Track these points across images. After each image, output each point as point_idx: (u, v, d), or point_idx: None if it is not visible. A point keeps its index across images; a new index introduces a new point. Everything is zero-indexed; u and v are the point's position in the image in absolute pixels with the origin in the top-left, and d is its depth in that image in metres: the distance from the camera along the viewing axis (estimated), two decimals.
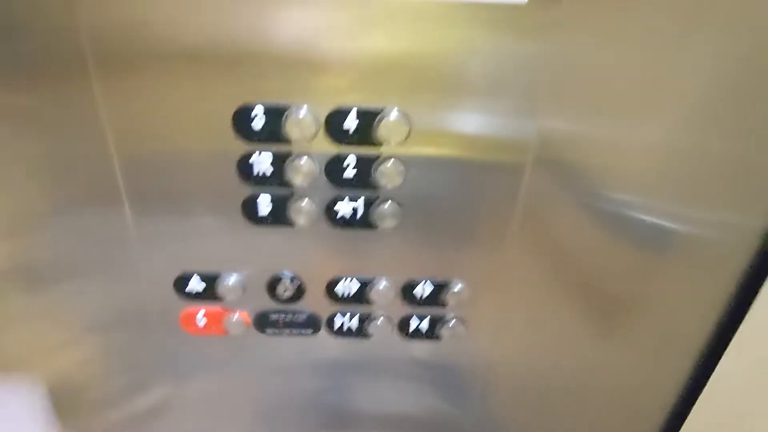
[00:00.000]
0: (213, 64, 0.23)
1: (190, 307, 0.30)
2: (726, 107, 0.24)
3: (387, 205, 0.26)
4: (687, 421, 0.34)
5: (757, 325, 0.30)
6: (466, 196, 0.27)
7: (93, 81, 0.23)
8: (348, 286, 0.29)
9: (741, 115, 0.25)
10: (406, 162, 0.25)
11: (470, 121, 0.24)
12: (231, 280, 0.29)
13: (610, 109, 0.24)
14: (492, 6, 0.22)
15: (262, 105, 0.24)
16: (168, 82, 0.23)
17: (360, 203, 0.26)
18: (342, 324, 0.31)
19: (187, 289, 0.29)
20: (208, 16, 0.22)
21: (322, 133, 0.24)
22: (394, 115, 0.24)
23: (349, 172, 0.25)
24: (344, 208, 0.26)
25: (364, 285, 0.29)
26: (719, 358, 0.32)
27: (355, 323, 0.31)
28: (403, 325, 0.31)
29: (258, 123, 0.24)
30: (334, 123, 0.24)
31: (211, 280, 0.29)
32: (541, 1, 0.22)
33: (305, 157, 0.25)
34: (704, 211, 0.28)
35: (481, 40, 0.23)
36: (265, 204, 0.26)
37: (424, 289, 0.29)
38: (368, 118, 0.24)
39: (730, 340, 0.31)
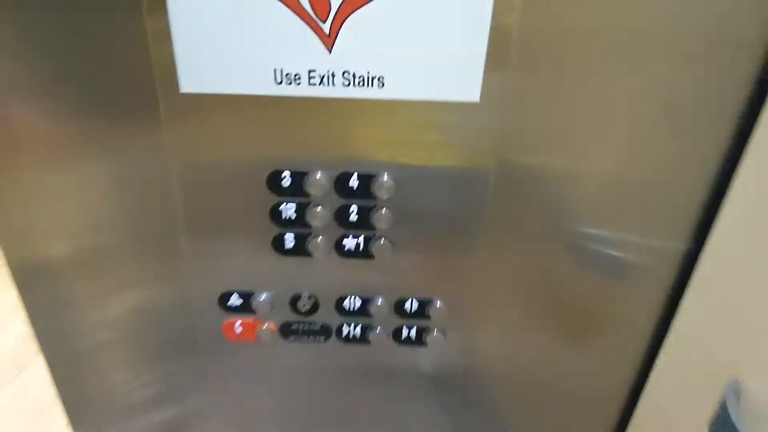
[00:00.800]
0: (254, 139, 0.32)
1: (230, 318, 0.39)
2: (650, 144, 0.32)
3: (381, 241, 0.35)
4: (636, 410, 0.42)
5: (682, 331, 0.37)
6: (443, 233, 0.35)
7: (163, 125, 0.31)
8: (353, 303, 0.38)
9: (663, 151, 0.32)
10: (396, 208, 0.34)
11: (439, 169, 0.33)
12: (262, 297, 0.37)
13: (559, 146, 0.32)
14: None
15: (289, 170, 0.32)
16: (224, 145, 0.32)
17: (361, 240, 0.35)
18: (348, 332, 0.39)
19: (228, 303, 0.38)
20: (250, 109, 0.30)
21: (332, 189, 0.33)
22: (385, 177, 0.32)
23: (353, 218, 0.34)
24: (349, 243, 0.35)
25: (365, 302, 0.37)
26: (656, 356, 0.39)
27: (358, 332, 0.39)
28: (396, 333, 0.39)
29: (286, 182, 0.33)
30: (341, 182, 0.33)
31: (247, 297, 0.38)
32: (494, 96, 0.30)
33: (320, 207, 0.33)
34: (634, 235, 0.35)
35: (447, 115, 0.31)
36: (289, 240, 0.35)
37: (411, 306, 0.37)
38: (366, 179, 0.32)
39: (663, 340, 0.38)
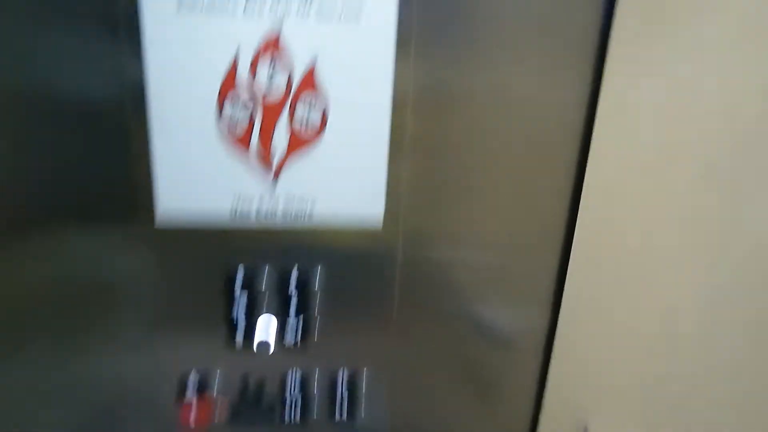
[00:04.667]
0: (210, 247, 0.41)
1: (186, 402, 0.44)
2: (509, 233, 0.43)
3: (317, 324, 0.43)
4: None
5: (551, 392, 0.47)
6: (362, 311, 0.44)
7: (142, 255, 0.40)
8: (293, 376, 0.45)
9: (520, 237, 0.44)
10: (325, 297, 0.43)
11: (356, 267, 0.43)
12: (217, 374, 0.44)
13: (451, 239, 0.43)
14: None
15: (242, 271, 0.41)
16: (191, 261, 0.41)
17: (300, 323, 0.43)
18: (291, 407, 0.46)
19: (188, 383, 0.44)
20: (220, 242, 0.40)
21: (276, 283, 0.42)
22: (319, 271, 0.42)
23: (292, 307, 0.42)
24: (291, 326, 0.43)
25: (306, 375, 0.45)
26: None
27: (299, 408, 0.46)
28: (331, 402, 0.46)
29: (238, 281, 0.41)
30: (283, 276, 0.42)
31: (204, 376, 0.44)
32: (395, 212, 0.41)
33: (267, 295, 0.42)
34: (505, 309, 0.45)
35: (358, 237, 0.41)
36: (239, 335, 0.43)
37: (343, 375, 0.45)
38: (304, 274, 0.42)
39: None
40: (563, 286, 0.44)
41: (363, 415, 0.46)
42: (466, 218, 0.42)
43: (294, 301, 0.42)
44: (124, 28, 0.35)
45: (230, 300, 0.42)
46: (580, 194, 0.42)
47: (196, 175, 0.38)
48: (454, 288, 0.44)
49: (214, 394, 0.44)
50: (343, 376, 0.45)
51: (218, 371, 0.44)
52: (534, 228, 0.43)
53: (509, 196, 0.42)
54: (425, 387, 0.47)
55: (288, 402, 0.45)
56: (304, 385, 0.45)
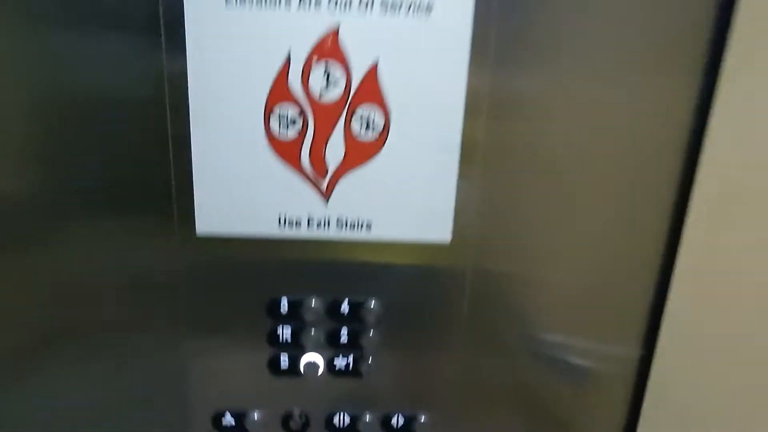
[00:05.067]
0: (256, 272, 0.36)
1: None
2: (597, 255, 0.37)
3: (369, 361, 0.38)
4: None
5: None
6: (425, 350, 0.39)
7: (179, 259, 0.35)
8: (342, 420, 0.40)
9: (608, 260, 0.37)
10: (382, 331, 0.37)
11: (419, 295, 0.37)
12: (255, 416, 0.39)
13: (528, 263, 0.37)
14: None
15: (287, 298, 0.36)
16: (232, 277, 0.36)
17: (351, 360, 0.38)
18: None
19: (222, 422, 0.39)
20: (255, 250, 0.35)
21: (324, 314, 0.37)
22: (372, 305, 0.36)
23: (343, 339, 0.37)
24: (340, 363, 0.38)
25: (354, 419, 0.40)
26: None
27: None
28: None
29: (283, 309, 0.36)
30: (333, 309, 0.37)
31: (240, 417, 0.39)
32: (463, 236, 0.35)
33: (313, 330, 0.37)
34: (592, 342, 0.39)
35: (423, 252, 0.36)
36: (284, 361, 0.38)
37: (398, 421, 0.40)
38: (356, 306, 0.37)
39: None
40: (659, 316, 0.38)
41: None
42: (546, 237, 0.36)
43: (345, 331, 0.37)
44: (165, 22, 0.31)
45: (274, 328, 0.37)
46: (682, 212, 0.36)
47: (238, 186, 0.34)
48: (531, 315, 0.38)
49: (252, 428, 0.39)
50: (398, 422, 0.40)
51: (255, 408, 0.39)
52: (626, 249, 0.37)
53: (598, 212, 0.36)
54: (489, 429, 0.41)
55: None
56: (354, 425, 0.40)
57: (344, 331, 0.37)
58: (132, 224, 0.34)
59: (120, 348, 0.37)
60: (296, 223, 0.35)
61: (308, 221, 0.34)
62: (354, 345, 0.37)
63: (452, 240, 0.35)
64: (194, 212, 0.34)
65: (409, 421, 0.40)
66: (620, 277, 0.38)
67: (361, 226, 0.35)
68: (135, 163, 0.33)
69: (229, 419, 0.39)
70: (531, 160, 0.35)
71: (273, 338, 0.37)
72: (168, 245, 0.35)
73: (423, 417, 0.40)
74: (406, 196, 0.34)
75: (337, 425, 0.40)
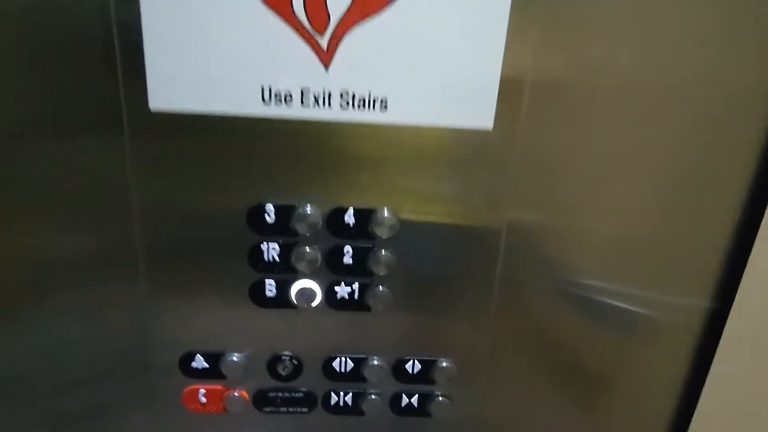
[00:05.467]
0: (232, 168, 0.27)
1: (193, 384, 0.32)
2: (669, 200, 0.29)
3: (379, 289, 0.30)
4: None
5: (717, 390, 0.33)
6: (450, 281, 0.30)
7: (127, 146, 0.26)
8: (343, 364, 0.32)
9: (682, 207, 0.29)
10: (396, 251, 0.29)
11: (448, 213, 0.29)
12: (233, 358, 0.31)
13: (570, 203, 0.29)
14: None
15: (273, 204, 0.28)
16: (194, 182, 0.27)
17: (356, 287, 0.30)
18: (337, 401, 0.33)
19: (192, 366, 0.31)
20: (230, 131, 0.26)
21: (323, 227, 0.28)
22: (385, 214, 0.28)
23: (347, 260, 0.29)
24: (342, 291, 0.30)
25: (358, 363, 0.32)
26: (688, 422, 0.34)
27: (349, 400, 0.32)
28: (395, 401, 0.33)
29: (269, 218, 0.28)
30: (334, 219, 0.28)
31: (214, 358, 0.31)
32: (505, 125, 0.27)
33: (308, 248, 0.29)
34: (655, 292, 0.31)
35: (456, 143, 0.27)
36: (270, 288, 0.29)
37: (413, 367, 0.32)
38: (363, 216, 0.28)
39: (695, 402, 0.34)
40: (736, 267, 0.30)
41: (435, 415, 0.33)
42: (608, 171, 0.28)
43: (349, 250, 0.29)
44: None
45: (257, 244, 0.28)
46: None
47: (205, 46, 0.24)
48: (573, 260, 0.30)
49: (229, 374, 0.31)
50: (413, 368, 0.32)
51: (233, 349, 0.31)
52: (702, 195, 0.29)
53: (674, 147, 0.27)
54: (523, 387, 0.34)
55: (334, 392, 0.32)
56: (358, 370, 0.32)
57: (348, 250, 0.29)
58: (67, 91, 0.25)
59: (71, 271, 0.29)
60: (286, 98, 0.25)
61: (302, 95, 0.25)
62: (360, 268, 0.29)
63: (495, 127, 0.26)
64: (146, 81, 0.25)
65: (428, 367, 0.32)
66: (693, 224, 0.30)
67: (373, 104, 0.26)
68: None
69: (200, 362, 0.31)
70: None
71: (256, 258, 0.29)
72: (112, 126, 0.26)
73: (444, 362, 0.32)
74: (433, 63, 0.25)
75: (338, 370, 0.32)
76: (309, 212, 0.28)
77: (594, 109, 0.27)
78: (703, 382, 0.33)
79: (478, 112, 0.26)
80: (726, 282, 0.31)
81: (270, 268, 0.29)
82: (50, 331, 0.30)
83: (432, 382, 0.32)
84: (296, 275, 0.29)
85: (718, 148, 0.28)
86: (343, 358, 0.32)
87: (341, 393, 0.32)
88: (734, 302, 0.31)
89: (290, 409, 0.33)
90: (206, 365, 0.31)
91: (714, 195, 0.29)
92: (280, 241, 0.28)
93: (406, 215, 0.28)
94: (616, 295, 0.32)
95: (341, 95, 0.25)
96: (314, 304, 0.30)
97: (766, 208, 0.29)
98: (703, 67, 0.26)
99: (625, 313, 0.32)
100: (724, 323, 0.32)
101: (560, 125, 0.27)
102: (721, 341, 0.32)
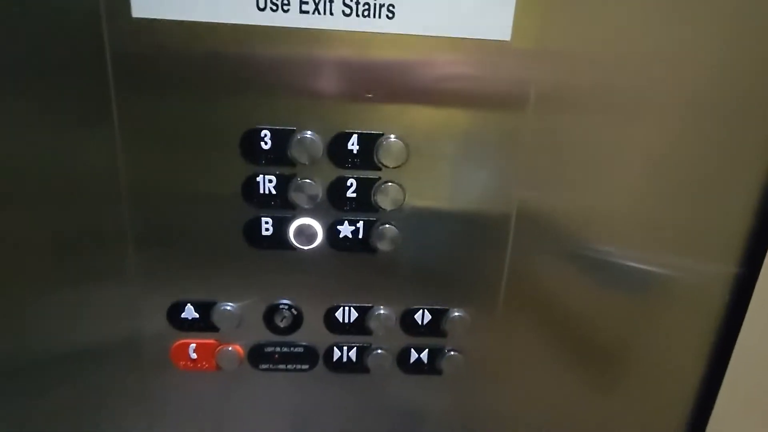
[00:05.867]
0: (222, 88, 0.25)
1: (183, 339, 0.29)
2: (685, 166, 0.27)
3: (386, 227, 0.27)
4: None
5: (744, 362, 0.30)
6: (463, 226, 0.28)
7: (108, 57, 0.24)
8: (347, 315, 0.29)
9: (699, 173, 0.27)
10: (405, 186, 0.26)
11: (463, 149, 0.26)
12: (227, 308, 0.28)
13: (584, 171, 0.27)
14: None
15: (269, 128, 0.25)
16: (179, 104, 0.25)
17: (360, 225, 0.27)
18: (340, 357, 0.30)
19: (181, 317, 0.28)
20: (221, 44, 0.24)
21: (325, 156, 0.26)
22: (392, 139, 0.25)
23: (351, 194, 0.26)
24: (345, 229, 0.27)
25: (363, 312, 0.29)
26: (714, 397, 0.32)
27: (353, 355, 0.30)
28: (403, 358, 0.30)
29: (265, 145, 0.25)
30: (336, 146, 0.25)
31: (205, 309, 0.29)
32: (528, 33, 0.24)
33: (308, 180, 0.26)
34: (677, 256, 0.29)
35: (471, 56, 0.25)
36: (267, 225, 0.27)
37: (423, 317, 0.29)
38: (369, 142, 0.25)
39: (722, 374, 0.31)
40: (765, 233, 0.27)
41: (446, 372, 0.31)
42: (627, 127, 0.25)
43: (353, 183, 0.26)
44: None
45: (252, 176, 0.26)
46: None
47: None
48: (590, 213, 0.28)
49: (222, 326, 0.29)
50: (423, 318, 0.29)
51: (226, 298, 0.28)
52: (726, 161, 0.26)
53: (700, 112, 0.25)
54: (534, 343, 0.31)
55: (337, 346, 0.30)
56: (363, 322, 0.29)
57: (352, 183, 0.26)
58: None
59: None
60: (283, 5, 0.23)
61: (300, 1, 0.23)
62: (366, 204, 0.27)
63: (513, 39, 0.24)
64: None
65: (439, 317, 0.29)
66: (719, 188, 0.27)
67: (379, 11, 0.23)
68: None
69: (189, 312, 0.28)
70: None
71: (250, 191, 0.26)
72: (92, 37, 0.23)
73: (456, 312, 0.29)
74: None
75: (340, 321, 0.29)
76: (309, 139, 0.25)
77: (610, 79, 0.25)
78: (731, 352, 0.31)
79: (494, 21, 0.24)
80: (754, 247, 0.29)
81: (266, 202, 0.26)
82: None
83: (443, 334, 0.30)
84: (295, 212, 0.27)
85: (743, 108, 0.26)
86: (346, 308, 0.29)
87: (344, 348, 0.30)
88: (762, 267, 0.29)
89: (289, 366, 0.30)
90: (196, 315, 0.28)
91: (739, 161, 0.27)
92: (277, 172, 0.26)
93: (414, 142, 0.26)
94: (637, 260, 0.29)
95: (343, 1, 0.23)
96: (315, 244, 0.27)
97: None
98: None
99: (648, 274, 0.29)
100: (752, 289, 0.29)
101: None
102: (749, 308, 0.30)
